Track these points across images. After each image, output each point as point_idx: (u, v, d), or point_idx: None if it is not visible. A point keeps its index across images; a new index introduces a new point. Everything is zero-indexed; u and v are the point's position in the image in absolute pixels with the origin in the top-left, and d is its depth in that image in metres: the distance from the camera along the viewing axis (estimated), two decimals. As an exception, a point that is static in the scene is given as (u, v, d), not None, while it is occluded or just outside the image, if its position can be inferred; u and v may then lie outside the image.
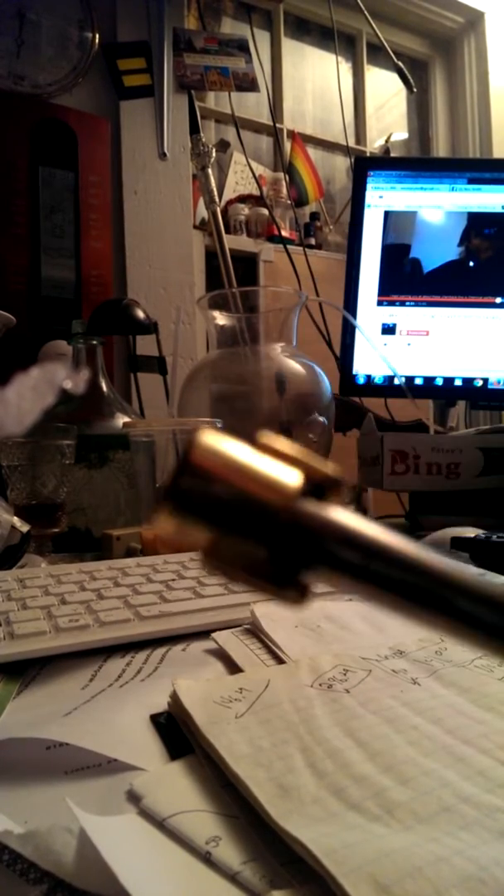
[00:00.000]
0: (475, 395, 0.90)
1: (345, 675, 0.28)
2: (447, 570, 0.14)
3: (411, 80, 1.30)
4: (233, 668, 0.31)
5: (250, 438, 0.16)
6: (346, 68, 2.33)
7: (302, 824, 0.18)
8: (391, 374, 0.87)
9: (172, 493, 0.15)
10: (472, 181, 0.87)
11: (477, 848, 0.17)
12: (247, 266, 1.90)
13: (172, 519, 0.15)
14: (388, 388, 0.89)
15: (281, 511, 0.14)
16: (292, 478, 0.15)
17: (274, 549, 0.15)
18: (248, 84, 1.61)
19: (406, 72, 1.30)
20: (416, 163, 1.22)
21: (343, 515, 0.15)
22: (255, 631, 0.35)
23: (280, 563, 0.15)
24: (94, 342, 0.75)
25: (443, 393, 0.90)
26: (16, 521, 0.52)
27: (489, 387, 0.88)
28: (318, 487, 0.15)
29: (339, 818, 0.18)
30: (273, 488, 0.15)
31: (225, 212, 1.94)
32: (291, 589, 0.15)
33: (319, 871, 0.16)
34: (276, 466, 0.15)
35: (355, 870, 0.15)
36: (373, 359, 0.88)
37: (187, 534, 0.15)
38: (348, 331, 0.89)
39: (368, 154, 2.27)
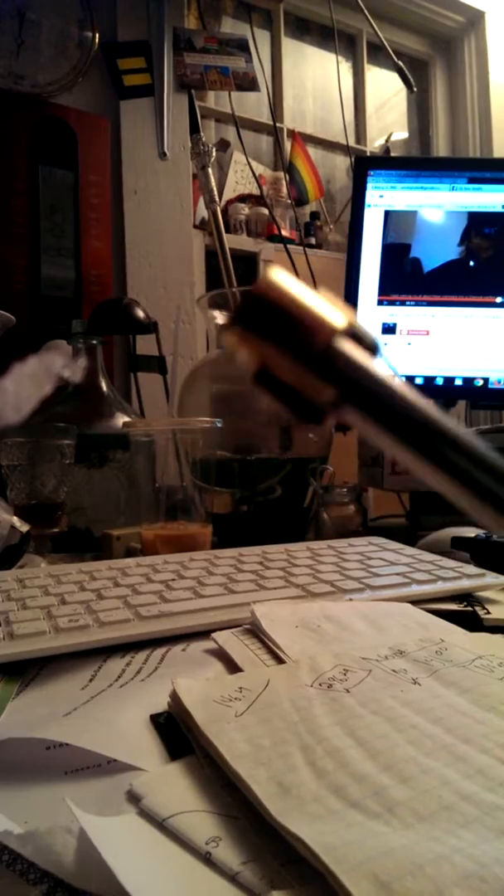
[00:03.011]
0: (475, 394, 0.90)
1: (345, 674, 0.28)
2: (443, 423, 0.16)
3: (411, 80, 1.30)
4: (233, 668, 0.31)
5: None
6: (346, 68, 2.33)
7: (302, 822, 0.17)
8: (391, 373, 0.87)
9: (240, 312, 0.17)
10: (472, 181, 0.87)
11: (477, 846, 0.17)
12: (247, 265, 1.90)
13: (236, 335, 0.17)
14: (388, 388, 0.89)
15: (322, 341, 0.17)
16: (340, 319, 0.17)
17: (308, 370, 0.17)
18: (248, 83, 1.61)
19: (406, 71, 1.30)
20: (417, 162, 1.22)
21: (370, 362, 0.17)
22: (255, 631, 0.35)
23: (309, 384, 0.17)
24: (94, 341, 0.75)
25: (443, 393, 0.90)
26: (15, 520, 0.52)
27: (489, 387, 0.88)
28: (358, 338, 0.18)
29: (340, 816, 0.18)
30: (322, 321, 0.17)
31: (225, 211, 1.93)
32: (315, 414, 0.18)
33: (320, 868, 0.16)
34: (329, 307, 0.17)
35: (356, 867, 0.15)
36: (373, 358, 0.88)
37: (244, 350, 0.17)
38: (348, 330, 0.88)
39: (368, 153, 2.27)
